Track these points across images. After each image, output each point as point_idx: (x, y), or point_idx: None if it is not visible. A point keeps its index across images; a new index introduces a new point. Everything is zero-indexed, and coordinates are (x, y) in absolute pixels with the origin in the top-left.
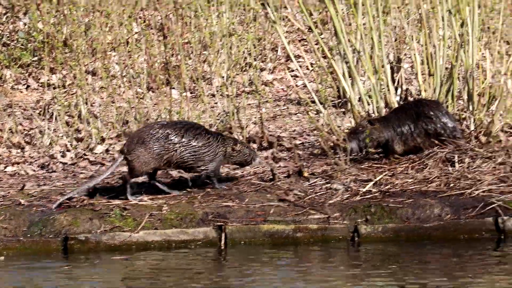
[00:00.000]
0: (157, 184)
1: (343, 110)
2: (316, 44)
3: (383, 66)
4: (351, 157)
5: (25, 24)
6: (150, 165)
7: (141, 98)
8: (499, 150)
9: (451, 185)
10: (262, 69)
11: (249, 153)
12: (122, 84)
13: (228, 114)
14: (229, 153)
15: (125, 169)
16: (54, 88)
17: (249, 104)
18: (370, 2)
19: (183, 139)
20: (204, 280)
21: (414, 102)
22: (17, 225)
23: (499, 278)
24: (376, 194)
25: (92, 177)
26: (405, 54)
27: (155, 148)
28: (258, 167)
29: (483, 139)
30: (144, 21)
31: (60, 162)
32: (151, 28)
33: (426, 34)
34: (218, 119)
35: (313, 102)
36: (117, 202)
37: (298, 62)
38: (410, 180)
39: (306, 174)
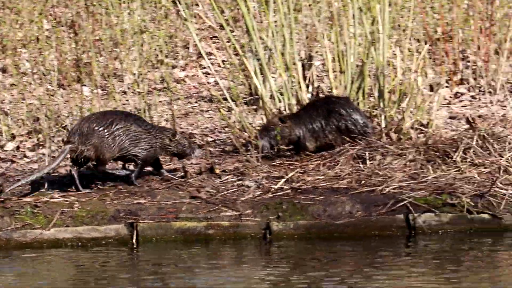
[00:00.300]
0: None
1: (254, 107)
2: (227, 42)
3: (294, 64)
4: (262, 154)
5: None
6: (113, 152)
7: (52, 95)
8: (410, 147)
9: (362, 182)
10: (173, 67)
11: (188, 145)
12: (33, 81)
13: (139, 111)
14: (167, 144)
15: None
16: None
17: (161, 101)
18: (281, 0)
19: (125, 123)
20: (114, 278)
21: (324, 99)
22: None
23: (409, 273)
24: (287, 191)
25: (38, 170)
26: (316, 52)
27: (106, 135)
28: (170, 164)
29: (394, 136)
30: (55, 18)
31: None
32: (62, 25)
33: (337, 32)
34: None
35: (225, 99)
36: (28, 199)
37: (209, 59)
38: (321, 177)
39: (217, 171)
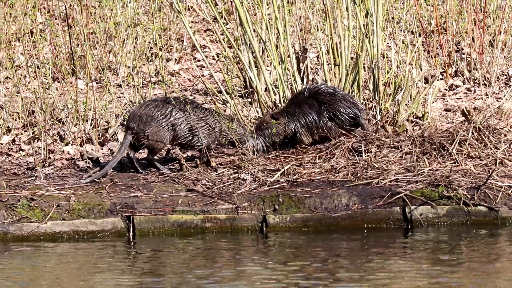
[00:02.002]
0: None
1: (249, 100)
2: (221, 34)
3: (289, 56)
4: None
5: None
6: (166, 142)
7: (46, 88)
8: (405, 139)
9: (358, 174)
10: (168, 59)
11: (244, 133)
12: (27, 75)
13: (134, 104)
14: (224, 131)
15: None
16: None
17: (156, 94)
18: None
19: (184, 113)
20: (111, 270)
21: (312, 91)
22: None
23: (406, 265)
24: (284, 184)
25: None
26: (310, 44)
27: (164, 125)
28: (166, 157)
29: (389, 128)
30: (49, 11)
31: None
32: (56, 18)
33: (331, 24)
34: (124, 110)
35: (220, 92)
36: (24, 193)
37: (204, 52)
38: (317, 170)
39: (213, 164)
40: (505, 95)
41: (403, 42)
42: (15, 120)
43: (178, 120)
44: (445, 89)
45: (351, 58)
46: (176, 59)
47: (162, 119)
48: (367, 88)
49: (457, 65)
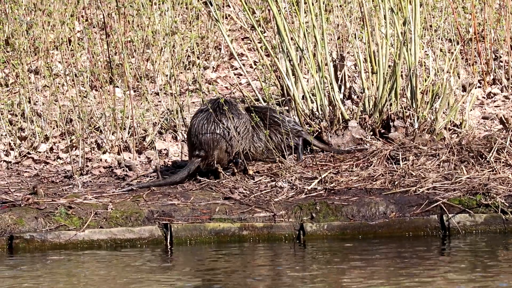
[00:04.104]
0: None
1: (286, 108)
2: (259, 43)
3: (326, 64)
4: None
5: None
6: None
7: (84, 96)
8: (443, 147)
9: (396, 182)
10: (205, 68)
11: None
12: (65, 83)
13: (172, 112)
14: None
15: None
16: None
17: (193, 103)
18: (312, 1)
19: (240, 120)
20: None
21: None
22: None
23: (444, 273)
24: (321, 192)
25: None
26: (348, 52)
27: (227, 143)
28: None
29: (427, 136)
30: (87, 20)
31: (4, 161)
32: (94, 27)
33: (369, 32)
34: (162, 117)
35: (257, 100)
36: (62, 201)
37: (241, 60)
38: (355, 178)
39: (251, 172)
40: None
41: (441, 50)
42: (53, 128)
43: (240, 135)
44: (483, 97)
45: (389, 66)
46: (213, 67)
47: (224, 138)
48: (404, 96)
49: (495, 73)
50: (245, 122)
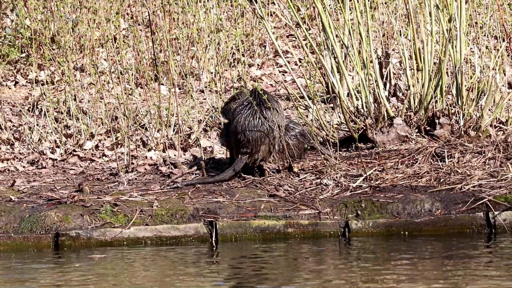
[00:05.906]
0: None
1: (332, 105)
2: (304, 40)
3: (371, 61)
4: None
5: (12, 20)
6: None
7: (129, 94)
8: (489, 145)
9: (441, 180)
10: (250, 65)
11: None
12: (111, 80)
13: (217, 109)
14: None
15: None
16: (43, 84)
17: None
18: None
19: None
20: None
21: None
22: (8, 222)
23: (491, 271)
24: (366, 189)
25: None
26: (393, 49)
27: (271, 142)
28: None
29: (472, 134)
30: (132, 17)
31: (50, 158)
32: (139, 24)
33: (414, 29)
34: (207, 115)
35: (302, 97)
36: (107, 198)
37: (286, 57)
38: (400, 175)
39: (296, 170)
40: None
41: (486, 47)
42: (98, 126)
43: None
44: None
45: (434, 63)
46: (258, 65)
47: (268, 137)
48: (450, 93)
49: None
50: (283, 116)
